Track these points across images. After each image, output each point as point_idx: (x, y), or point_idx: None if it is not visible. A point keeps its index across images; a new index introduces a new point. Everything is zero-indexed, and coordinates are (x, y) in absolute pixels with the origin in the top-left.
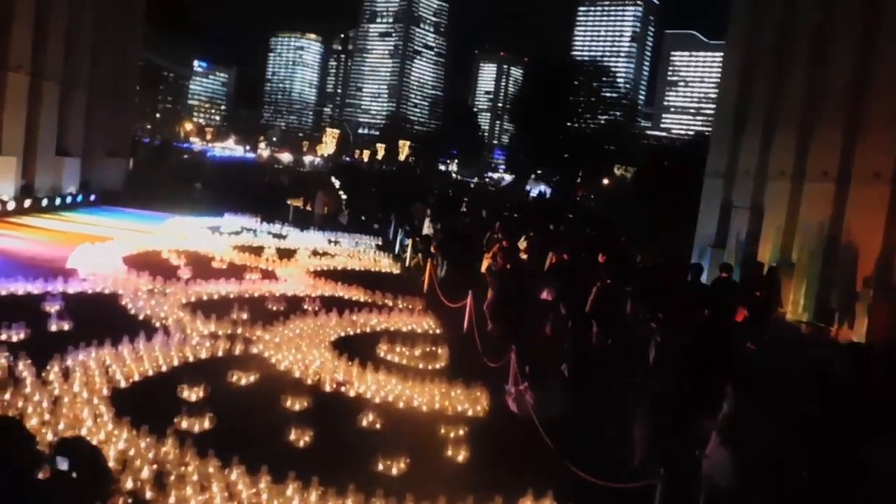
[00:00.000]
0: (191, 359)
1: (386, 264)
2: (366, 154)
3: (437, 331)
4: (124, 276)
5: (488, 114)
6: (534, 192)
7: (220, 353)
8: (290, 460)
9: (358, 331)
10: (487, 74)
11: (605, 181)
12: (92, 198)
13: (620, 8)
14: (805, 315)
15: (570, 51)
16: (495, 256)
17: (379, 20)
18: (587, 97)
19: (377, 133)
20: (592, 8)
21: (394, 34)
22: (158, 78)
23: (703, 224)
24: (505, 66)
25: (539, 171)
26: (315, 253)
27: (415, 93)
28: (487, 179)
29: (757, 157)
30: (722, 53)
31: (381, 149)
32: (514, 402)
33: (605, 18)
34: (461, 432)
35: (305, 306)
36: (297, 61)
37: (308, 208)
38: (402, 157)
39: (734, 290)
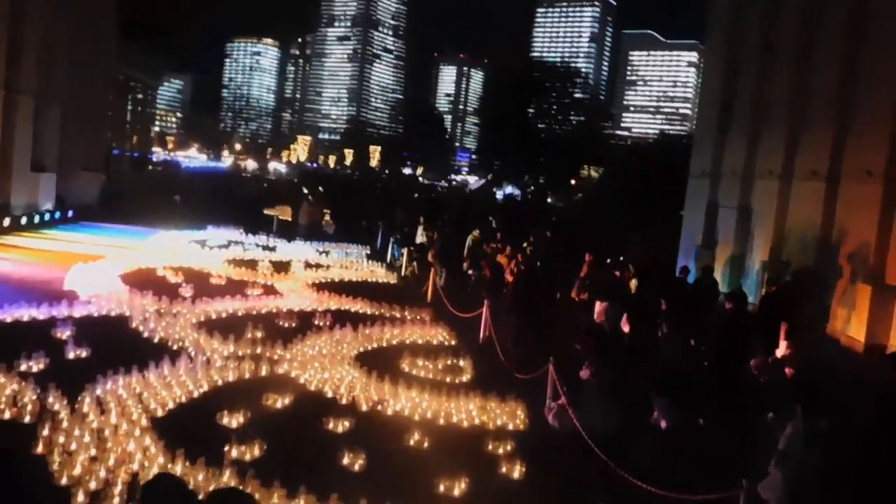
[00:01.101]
0: (220, 382)
1: (382, 274)
2: (331, 160)
3: (452, 342)
4: (127, 296)
5: (450, 116)
6: (500, 195)
7: (247, 375)
8: (353, 485)
9: (375, 345)
10: (447, 77)
11: (572, 181)
12: (69, 214)
13: (578, 9)
14: None
15: (529, 52)
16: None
17: (337, 24)
18: (559, 99)
19: (338, 138)
20: (550, 9)
21: (352, 38)
22: (128, 89)
23: (689, 224)
24: (465, 69)
25: (511, 174)
26: (309, 265)
27: (375, 96)
28: (454, 182)
29: (743, 156)
30: (678, 52)
31: (348, 154)
32: (556, 418)
33: (563, 19)
34: (508, 448)
35: (316, 322)
36: (255, 67)
37: (288, 219)
38: (373, 163)
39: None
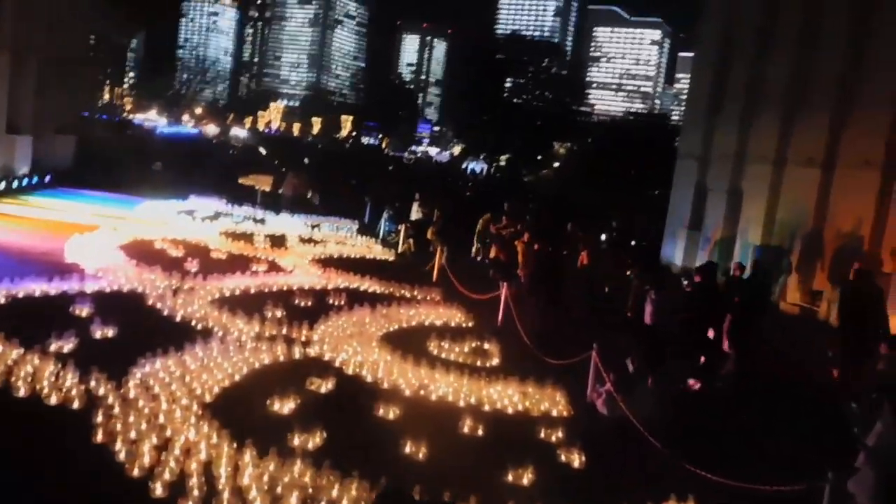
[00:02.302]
0: (256, 365)
1: (379, 251)
2: (296, 127)
3: (469, 324)
4: (136, 271)
5: (412, 86)
6: (470, 169)
7: (281, 358)
8: (425, 474)
9: (396, 326)
10: (410, 46)
11: (538, 157)
12: (47, 179)
13: None
14: (795, 298)
15: (494, 25)
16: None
17: None
18: (537, 75)
19: (297, 104)
20: None
21: (314, 2)
22: (100, 48)
23: (676, 206)
24: (428, 38)
25: (484, 148)
26: (304, 240)
27: (336, 63)
28: (420, 154)
29: (735, 140)
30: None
31: (316, 123)
32: (605, 404)
33: None
34: (560, 435)
35: (331, 301)
36: (212, 27)
37: (266, 188)
38: (343, 133)
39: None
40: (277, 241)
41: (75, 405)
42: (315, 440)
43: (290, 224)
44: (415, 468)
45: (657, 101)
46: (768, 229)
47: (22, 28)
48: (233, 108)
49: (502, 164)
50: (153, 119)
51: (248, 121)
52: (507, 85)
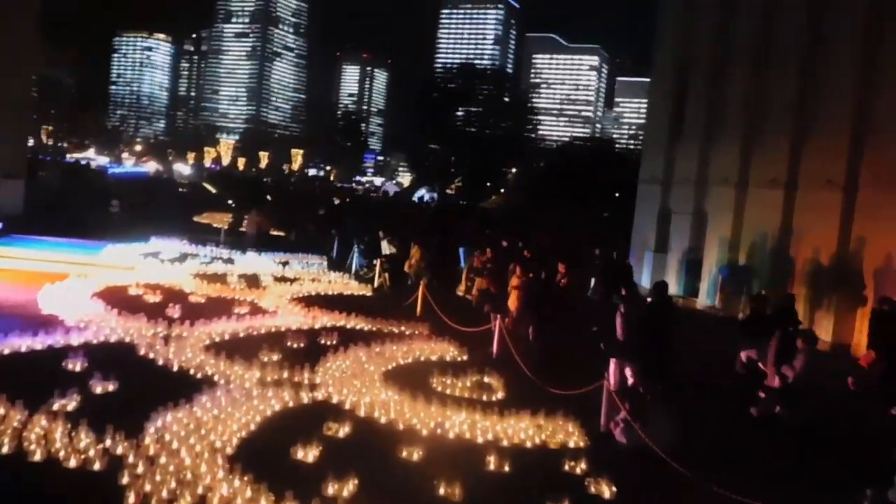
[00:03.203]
0: (268, 412)
1: (355, 287)
2: (241, 162)
3: (463, 357)
4: (116, 319)
5: (353, 116)
6: (422, 197)
7: (291, 404)
8: None
9: (393, 364)
10: (350, 76)
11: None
12: (0, 226)
13: (482, 11)
14: None
15: (434, 53)
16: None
17: (234, 20)
18: (489, 103)
19: (237, 138)
20: (455, 10)
21: (251, 34)
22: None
23: (640, 229)
24: (368, 69)
25: (437, 177)
26: (278, 278)
27: (276, 95)
28: (367, 185)
29: (696, 163)
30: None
31: (263, 157)
32: (623, 433)
33: (467, 22)
34: (584, 466)
35: (323, 341)
36: (146, 63)
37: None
38: (294, 167)
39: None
40: (252, 281)
41: (96, 466)
42: (349, 487)
43: (260, 263)
44: None
45: (598, 125)
46: (734, 249)
47: None
48: (173, 145)
49: (450, 192)
50: (92, 157)
51: (191, 156)
52: (459, 114)
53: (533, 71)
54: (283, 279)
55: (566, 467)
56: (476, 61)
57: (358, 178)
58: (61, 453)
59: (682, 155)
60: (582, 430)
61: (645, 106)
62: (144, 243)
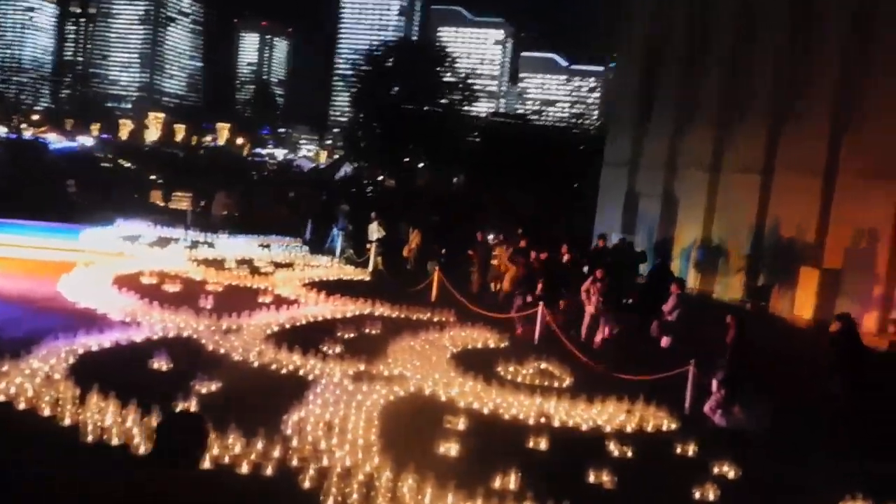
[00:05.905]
0: (368, 403)
1: (352, 272)
2: (149, 134)
3: (504, 344)
4: (162, 314)
5: (253, 86)
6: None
7: (391, 397)
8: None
9: (449, 353)
10: (249, 45)
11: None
12: None
13: None
14: (738, 294)
15: (338, 23)
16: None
17: None
18: (428, 81)
19: (129, 107)
20: None
21: None
22: None
23: (605, 211)
24: (268, 37)
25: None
26: (277, 264)
27: (170, 63)
28: (267, 157)
29: (667, 147)
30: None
31: (179, 130)
32: (722, 416)
33: None
34: (694, 449)
35: (367, 330)
36: (28, 24)
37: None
38: (221, 141)
39: None
40: (252, 268)
41: (268, 472)
42: (509, 481)
43: (240, 246)
44: (609, 495)
45: (502, 100)
46: (707, 231)
47: None
48: (73, 115)
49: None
50: None
51: (95, 128)
52: (395, 91)
53: (438, 44)
54: (279, 265)
55: (677, 450)
56: (381, 33)
57: (258, 149)
58: (265, 467)
59: (652, 138)
60: (672, 415)
61: (548, 82)
62: (110, 226)
